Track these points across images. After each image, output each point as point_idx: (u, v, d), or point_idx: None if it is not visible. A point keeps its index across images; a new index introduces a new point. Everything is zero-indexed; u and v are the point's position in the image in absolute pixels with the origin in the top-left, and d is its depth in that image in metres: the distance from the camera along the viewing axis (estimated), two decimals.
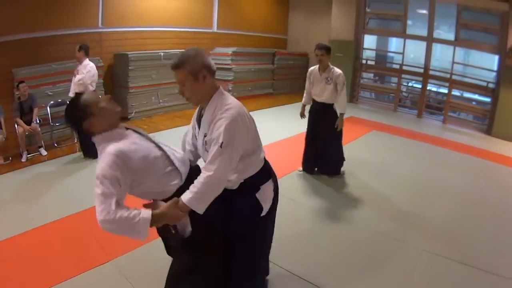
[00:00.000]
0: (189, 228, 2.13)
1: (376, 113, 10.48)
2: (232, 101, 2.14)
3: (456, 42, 9.76)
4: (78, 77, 5.76)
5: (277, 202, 2.47)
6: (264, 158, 2.40)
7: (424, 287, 3.15)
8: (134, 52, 8.51)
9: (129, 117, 8.42)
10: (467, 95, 10.48)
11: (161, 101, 9.06)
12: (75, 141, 6.72)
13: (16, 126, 6.15)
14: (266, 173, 2.41)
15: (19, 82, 6.06)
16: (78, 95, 5.38)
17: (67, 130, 7.10)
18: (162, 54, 8.94)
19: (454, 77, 9.90)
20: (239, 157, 2.15)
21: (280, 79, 12.28)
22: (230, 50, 10.61)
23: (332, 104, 5.14)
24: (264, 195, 2.37)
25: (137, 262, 3.29)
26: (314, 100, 5.27)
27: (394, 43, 12.00)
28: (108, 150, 1.89)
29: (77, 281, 3.02)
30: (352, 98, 11.57)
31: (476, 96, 10.17)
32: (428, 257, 3.56)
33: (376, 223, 4.22)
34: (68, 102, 5.55)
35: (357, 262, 3.45)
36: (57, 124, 6.86)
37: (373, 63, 12.06)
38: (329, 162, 5.43)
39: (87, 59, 5.87)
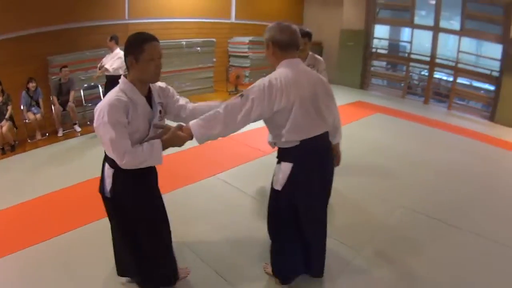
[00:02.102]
0: None
1: (384, 99, 11.11)
2: (275, 73, 2.47)
3: (462, 32, 10.26)
4: (109, 63, 6.79)
5: (297, 186, 2.56)
6: (305, 143, 2.48)
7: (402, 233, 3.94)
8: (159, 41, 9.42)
9: None
10: (474, 83, 10.94)
11: (183, 85, 9.98)
12: None
13: (52, 106, 7.20)
14: (291, 155, 2.53)
15: (62, 66, 7.13)
16: (112, 77, 6.57)
17: None
18: (184, 43, 9.92)
19: (459, 65, 10.43)
20: (265, 120, 2.50)
21: None
22: (247, 39, 11.44)
23: None
24: (280, 171, 2.58)
25: None
26: None
27: (407, 33, 12.51)
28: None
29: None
30: (363, 84, 12.30)
31: (480, 84, 10.62)
32: (408, 213, 4.34)
33: (363, 186, 5.01)
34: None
35: (356, 222, 4.11)
36: (89, 104, 7.89)
37: (384, 51, 12.64)
38: None
39: (118, 48, 6.85)
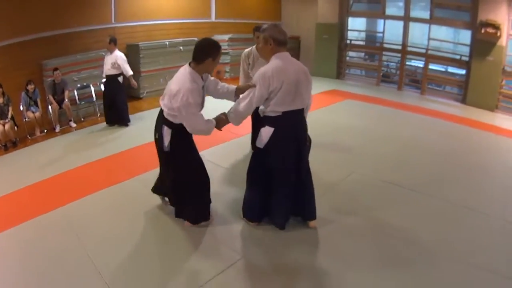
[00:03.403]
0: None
1: (359, 87, 12.04)
2: (269, 64, 3.48)
3: (431, 20, 11.16)
4: (112, 63, 7.68)
5: (277, 144, 3.56)
6: (286, 114, 3.50)
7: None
8: (143, 42, 10.38)
9: (141, 96, 10.33)
10: (450, 69, 11.93)
11: (169, 81, 10.84)
12: (98, 116, 8.73)
13: (49, 106, 8.09)
14: (274, 122, 3.53)
15: (54, 69, 7.98)
16: (110, 76, 7.71)
17: (90, 108, 9.02)
18: (167, 43, 10.81)
19: (430, 52, 11.35)
20: (264, 100, 3.49)
21: None
22: (226, 37, 12.39)
23: None
24: (262, 133, 3.61)
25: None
26: None
27: (382, 24, 13.37)
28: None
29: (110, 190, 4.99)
30: (339, 74, 13.28)
31: (455, 70, 11.57)
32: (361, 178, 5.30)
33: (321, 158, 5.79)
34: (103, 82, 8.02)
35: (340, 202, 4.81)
36: (82, 103, 8.81)
37: (361, 43, 13.71)
38: None
39: (116, 49, 7.74)
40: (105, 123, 8.14)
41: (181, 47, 11.13)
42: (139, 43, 10.29)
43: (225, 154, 6.18)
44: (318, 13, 13.11)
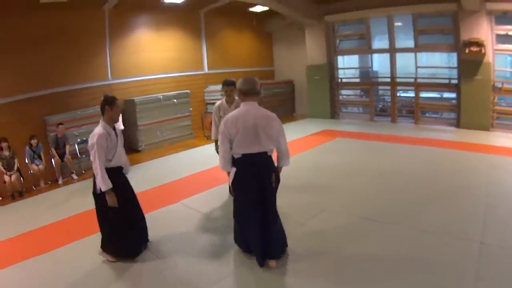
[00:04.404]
0: None
1: (353, 125, 12.57)
2: (232, 112, 4.15)
3: (416, 48, 11.84)
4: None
5: (240, 184, 4.08)
6: (245, 156, 3.99)
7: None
8: (139, 97, 11.28)
9: (139, 149, 11.04)
10: (445, 95, 12.41)
11: (164, 134, 11.63)
12: None
13: (52, 159, 8.77)
14: (236, 163, 4.07)
15: (59, 123, 8.83)
16: None
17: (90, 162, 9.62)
18: (161, 96, 11.69)
19: (418, 80, 11.89)
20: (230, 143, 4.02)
21: (268, 106, 14.06)
22: (219, 87, 13.05)
23: None
24: (231, 173, 4.14)
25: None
26: None
27: (376, 59, 14.17)
28: None
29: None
30: (333, 114, 13.97)
31: (449, 95, 11.96)
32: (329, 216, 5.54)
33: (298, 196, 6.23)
34: None
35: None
36: (83, 156, 9.48)
37: (355, 80, 14.41)
38: None
39: None
40: None
41: (175, 100, 11.98)
42: (135, 98, 11.15)
43: (207, 200, 6.48)
44: (307, 56, 14.05)
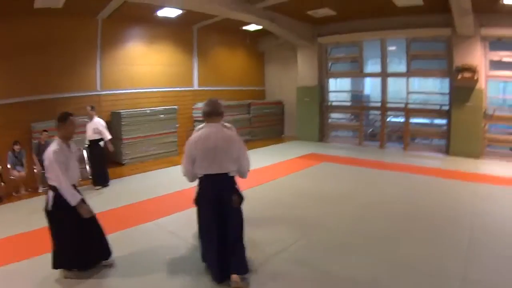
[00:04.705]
0: None
1: (341, 149, 12.54)
2: (196, 133, 4.26)
3: (409, 73, 11.96)
4: (93, 129, 8.61)
5: (201, 202, 4.26)
6: (206, 176, 4.13)
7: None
8: (126, 110, 11.27)
9: (123, 162, 10.96)
10: (436, 121, 12.46)
11: (150, 149, 11.57)
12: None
13: (34, 166, 8.67)
14: (199, 183, 4.25)
15: (43, 130, 8.75)
16: (93, 141, 8.68)
17: None
18: (148, 111, 11.70)
19: (409, 106, 11.94)
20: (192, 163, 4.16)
21: (257, 126, 14.92)
22: None
23: None
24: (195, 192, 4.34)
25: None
26: None
27: (369, 83, 14.36)
28: None
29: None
30: (322, 137, 14.01)
31: (441, 121, 12.00)
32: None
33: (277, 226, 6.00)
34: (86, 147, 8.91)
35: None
36: None
37: (347, 103, 14.47)
38: None
39: (96, 116, 8.70)
40: (90, 184, 8.79)
41: (162, 115, 11.97)
42: (121, 111, 11.14)
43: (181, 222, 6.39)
44: (298, 77, 14.21)
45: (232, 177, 4.23)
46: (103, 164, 8.90)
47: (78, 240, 4.35)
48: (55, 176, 4.15)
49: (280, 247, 5.16)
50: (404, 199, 7.12)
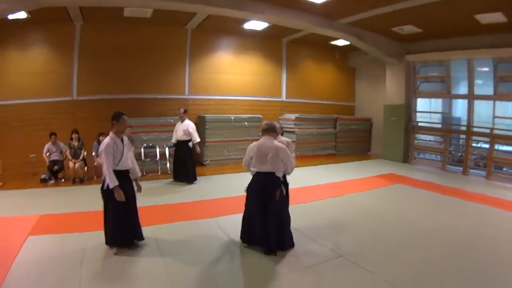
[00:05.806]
0: None
1: (422, 172, 12.16)
2: (255, 142, 5.66)
3: (496, 96, 11.35)
4: (183, 130, 9.66)
5: (249, 190, 5.55)
6: (257, 172, 5.46)
7: None
8: (211, 115, 12.54)
9: (204, 163, 12.19)
10: None
11: (231, 154, 12.69)
12: (159, 173, 10.71)
13: None
14: (252, 177, 5.58)
15: (128, 126, 10.10)
16: (181, 141, 9.73)
17: (153, 166, 11.02)
18: (233, 117, 12.82)
19: (495, 131, 11.21)
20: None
21: (343, 141, 15.24)
22: (293, 116, 14.09)
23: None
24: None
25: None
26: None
27: (460, 104, 13.55)
28: None
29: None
30: (406, 158, 13.83)
31: None
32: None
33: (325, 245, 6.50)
34: (173, 146, 10.04)
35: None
36: (147, 160, 10.81)
37: (436, 125, 13.90)
38: None
39: (187, 119, 9.78)
40: (171, 179, 10.09)
41: (246, 123, 13.00)
42: (206, 115, 12.40)
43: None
44: (386, 94, 14.34)
45: (277, 177, 5.50)
46: (192, 163, 9.86)
47: (123, 219, 5.30)
48: (102, 162, 5.16)
49: (316, 260, 5.24)
50: (469, 234, 6.33)
